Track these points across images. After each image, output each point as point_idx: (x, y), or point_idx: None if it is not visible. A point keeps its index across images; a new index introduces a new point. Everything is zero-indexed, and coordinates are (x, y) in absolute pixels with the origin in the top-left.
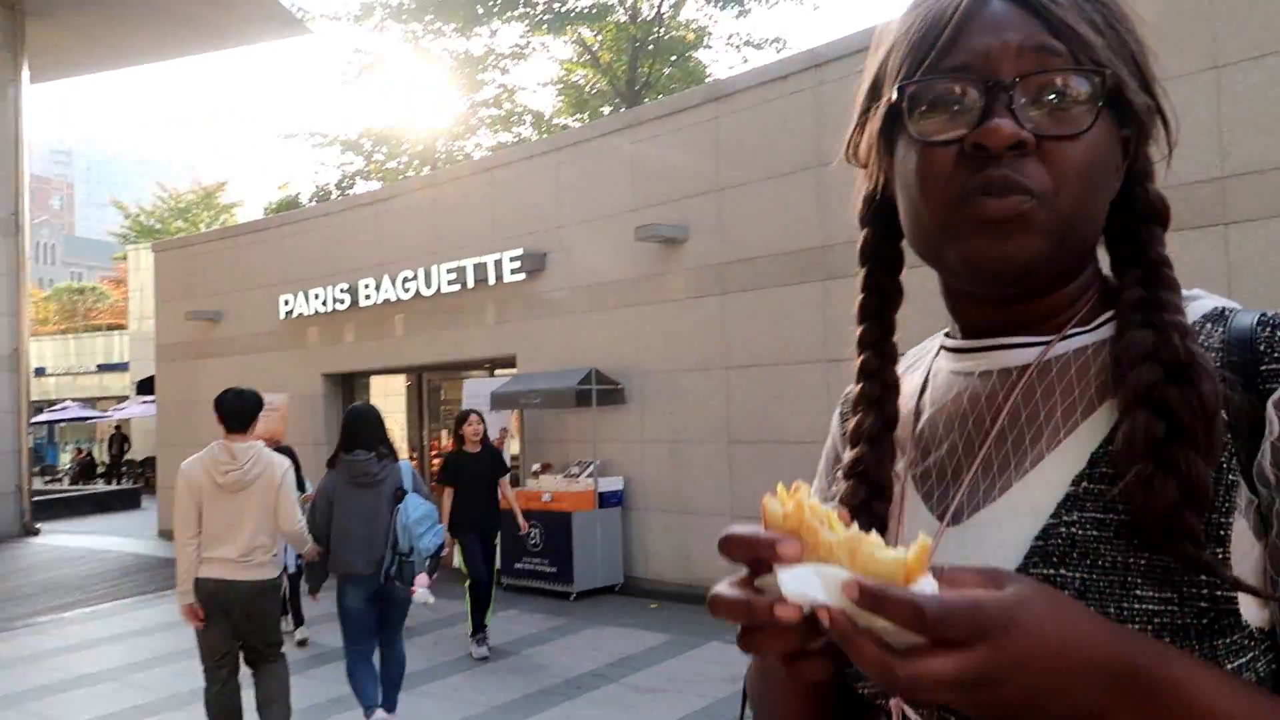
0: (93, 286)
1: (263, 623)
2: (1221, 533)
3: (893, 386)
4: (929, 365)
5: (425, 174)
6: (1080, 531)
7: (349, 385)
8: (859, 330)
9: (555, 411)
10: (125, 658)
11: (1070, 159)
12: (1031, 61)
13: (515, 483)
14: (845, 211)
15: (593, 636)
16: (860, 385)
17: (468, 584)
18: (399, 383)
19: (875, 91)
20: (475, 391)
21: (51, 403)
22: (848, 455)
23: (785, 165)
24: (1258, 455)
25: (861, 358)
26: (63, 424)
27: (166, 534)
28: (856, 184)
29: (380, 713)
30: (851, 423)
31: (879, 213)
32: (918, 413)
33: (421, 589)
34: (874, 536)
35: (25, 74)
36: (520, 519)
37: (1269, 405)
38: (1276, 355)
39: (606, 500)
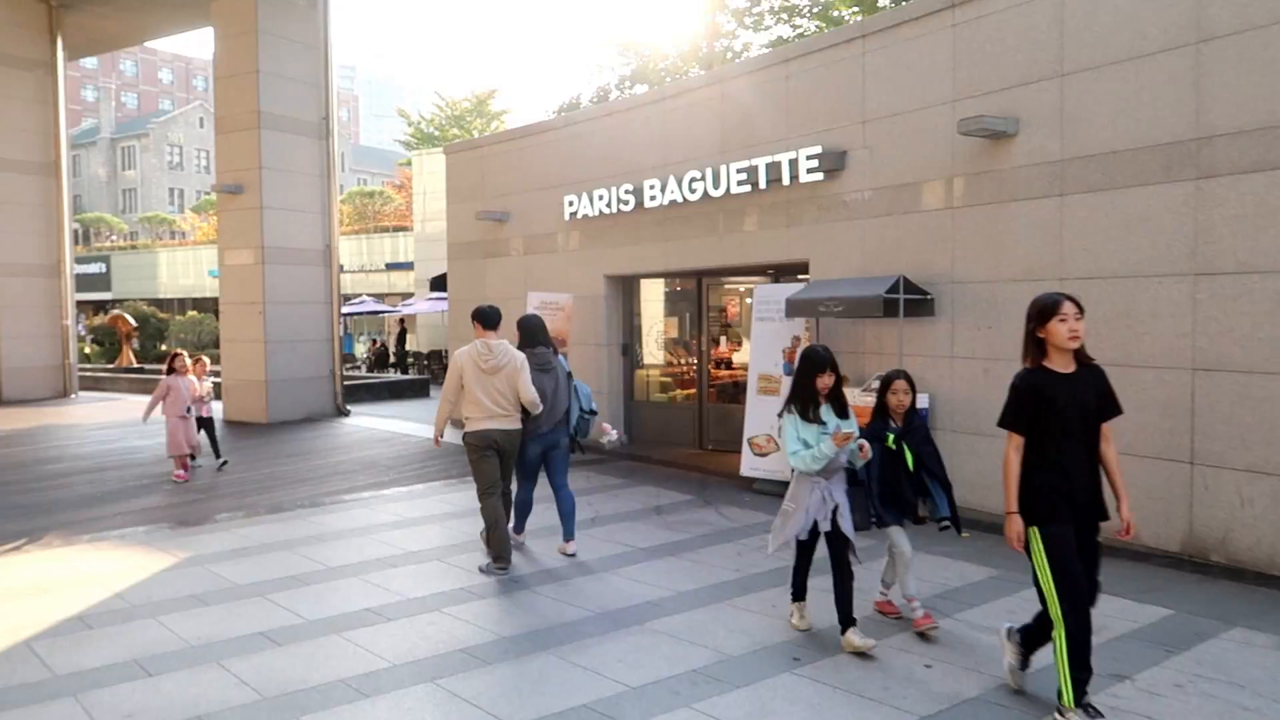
0: (379, 190)
1: (514, 456)
2: None
3: None
4: None
5: (711, 71)
6: None
7: (629, 286)
8: None
9: (853, 321)
10: (443, 539)
11: None
12: None
13: None
14: (1232, 94)
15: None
16: None
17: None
18: (658, 287)
19: None
20: (767, 297)
21: (348, 298)
22: None
23: (1150, 43)
24: None
25: None
26: (357, 316)
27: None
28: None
29: (572, 544)
30: None
31: None
32: None
33: (610, 430)
34: None
35: None
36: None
37: None
38: None
39: None
